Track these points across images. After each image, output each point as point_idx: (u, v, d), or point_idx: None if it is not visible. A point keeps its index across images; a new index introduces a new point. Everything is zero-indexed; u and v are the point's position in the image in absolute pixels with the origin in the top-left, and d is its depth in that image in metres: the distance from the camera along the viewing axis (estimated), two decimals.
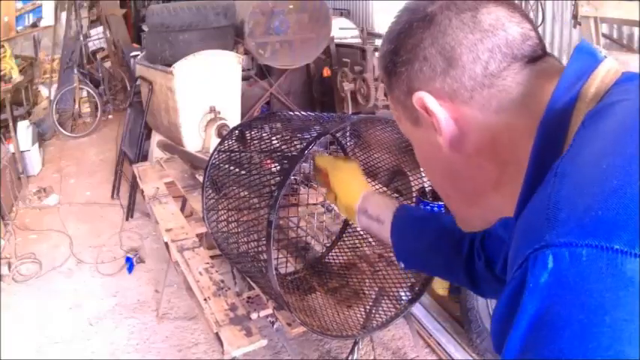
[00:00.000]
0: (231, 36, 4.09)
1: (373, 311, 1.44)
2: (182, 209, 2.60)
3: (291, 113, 1.37)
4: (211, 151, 1.64)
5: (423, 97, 0.58)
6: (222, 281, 1.77)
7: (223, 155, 1.41)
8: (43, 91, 6.13)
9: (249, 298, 1.74)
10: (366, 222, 1.16)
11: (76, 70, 5.93)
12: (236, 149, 1.41)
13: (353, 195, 1.17)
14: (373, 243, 1.68)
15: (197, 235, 2.12)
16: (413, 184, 1.62)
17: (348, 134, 1.66)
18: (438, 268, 1.11)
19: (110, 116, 6.54)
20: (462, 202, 0.68)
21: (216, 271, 1.83)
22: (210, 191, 1.41)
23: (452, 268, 1.04)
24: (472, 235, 0.99)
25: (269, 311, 1.69)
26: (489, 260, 0.96)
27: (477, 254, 0.98)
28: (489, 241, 0.97)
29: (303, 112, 1.34)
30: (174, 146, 3.41)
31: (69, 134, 5.86)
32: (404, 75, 0.60)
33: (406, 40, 0.60)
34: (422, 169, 0.70)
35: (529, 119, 0.55)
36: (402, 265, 1.15)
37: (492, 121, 0.57)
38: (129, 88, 5.73)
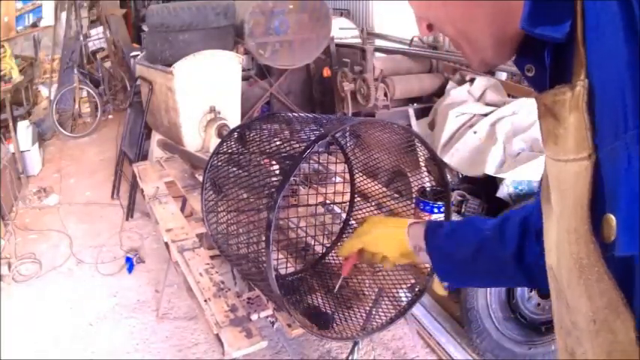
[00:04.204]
0: (231, 36, 4.08)
1: (373, 312, 1.43)
2: (182, 209, 2.60)
3: (290, 115, 1.37)
4: (211, 151, 1.64)
5: None
6: (223, 282, 1.77)
7: (223, 156, 1.41)
8: (43, 91, 6.13)
9: (249, 299, 1.74)
10: (422, 257, 1.07)
11: (76, 70, 5.93)
12: (235, 150, 1.41)
13: (398, 241, 1.09)
14: None
15: (197, 236, 2.12)
16: (413, 184, 1.62)
17: (347, 134, 1.66)
18: (486, 276, 1.02)
19: (110, 116, 6.54)
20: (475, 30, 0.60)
21: (217, 272, 1.83)
22: (210, 193, 1.41)
23: (502, 270, 0.95)
24: (521, 221, 0.91)
25: (269, 312, 1.69)
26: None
27: (531, 241, 0.88)
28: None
29: (302, 114, 1.34)
30: (174, 145, 3.40)
31: (69, 134, 5.85)
32: None
33: None
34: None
35: None
36: (446, 285, 1.05)
37: None
38: (129, 88, 5.72)
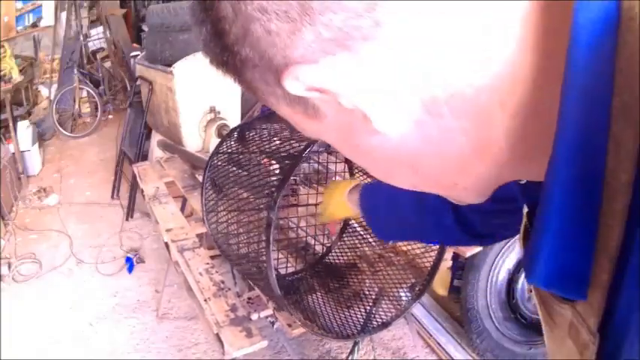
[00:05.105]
0: None
1: (373, 312, 1.44)
2: (182, 209, 2.60)
3: None
4: (211, 151, 1.64)
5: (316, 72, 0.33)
6: (223, 282, 1.77)
7: (223, 156, 1.41)
8: (43, 91, 6.12)
9: (249, 298, 1.74)
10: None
11: (76, 70, 5.93)
12: (235, 150, 1.41)
13: (349, 209, 1.24)
14: (373, 243, 1.68)
15: (197, 236, 2.12)
16: None
17: None
18: (428, 235, 1.13)
19: (110, 116, 6.53)
20: (439, 187, 0.43)
21: (217, 272, 1.83)
22: (210, 192, 1.41)
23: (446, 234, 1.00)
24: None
25: (269, 312, 1.69)
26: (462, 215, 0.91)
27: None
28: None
29: None
30: (174, 146, 3.40)
31: (69, 134, 5.85)
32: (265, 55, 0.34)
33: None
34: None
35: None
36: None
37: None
38: (129, 88, 5.72)
